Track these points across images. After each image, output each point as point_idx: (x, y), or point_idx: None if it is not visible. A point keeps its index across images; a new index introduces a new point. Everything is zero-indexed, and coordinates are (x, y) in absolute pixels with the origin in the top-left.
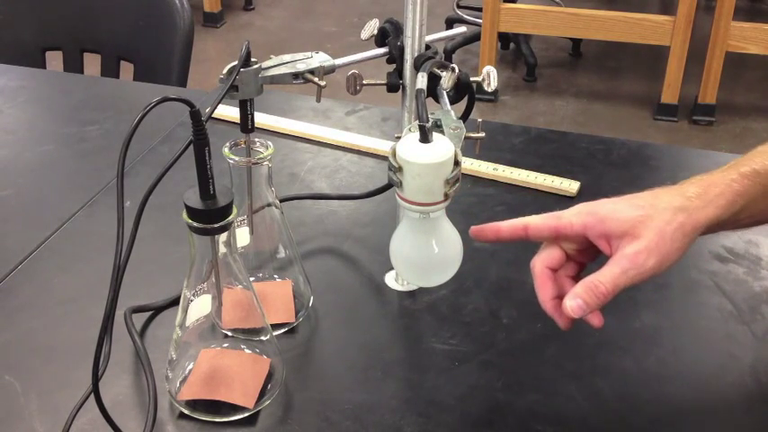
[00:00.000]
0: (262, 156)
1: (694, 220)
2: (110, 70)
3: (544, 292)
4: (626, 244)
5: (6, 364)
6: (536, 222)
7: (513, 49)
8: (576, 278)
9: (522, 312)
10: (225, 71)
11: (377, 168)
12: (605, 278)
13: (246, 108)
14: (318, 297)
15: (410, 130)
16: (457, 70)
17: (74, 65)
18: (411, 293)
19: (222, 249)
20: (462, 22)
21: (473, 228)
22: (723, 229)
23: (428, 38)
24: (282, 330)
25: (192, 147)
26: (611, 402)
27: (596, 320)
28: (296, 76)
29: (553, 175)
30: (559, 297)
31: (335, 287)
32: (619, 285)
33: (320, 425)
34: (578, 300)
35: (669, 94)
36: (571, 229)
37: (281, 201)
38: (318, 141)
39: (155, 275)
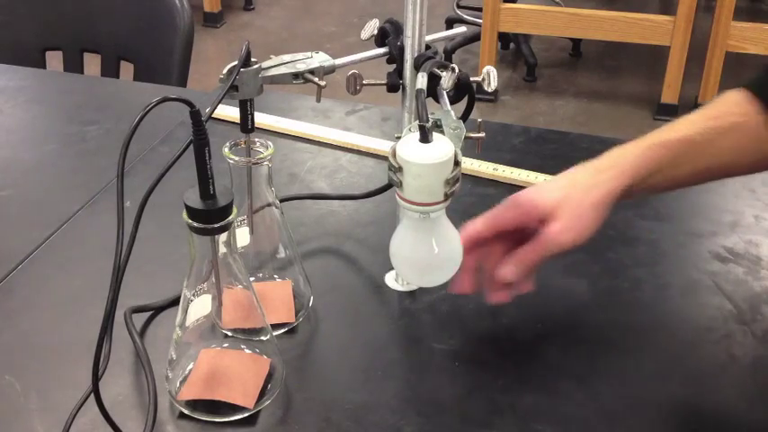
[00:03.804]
0: (262, 156)
1: (606, 190)
2: (110, 70)
3: (469, 257)
4: (549, 223)
5: (6, 364)
6: (479, 230)
7: (513, 49)
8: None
9: (522, 312)
10: (225, 71)
11: (377, 168)
12: (532, 252)
13: (246, 108)
14: (318, 297)
15: (410, 130)
16: (457, 70)
17: (74, 65)
18: (411, 293)
19: (222, 249)
20: (462, 22)
21: (456, 288)
22: (644, 194)
23: (428, 38)
24: (282, 330)
25: (192, 147)
26: (611, 402)
27: (525, 287)
28: (296, 76)
29: (553, 175)
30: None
31: (335, 287)
32: (544, 257)
33: (320, 425)
34: (510, 267)
35: (669, 94)
36: (511, 224)
37: (281, 201)
38: (318, 141)
39: (155, 275)
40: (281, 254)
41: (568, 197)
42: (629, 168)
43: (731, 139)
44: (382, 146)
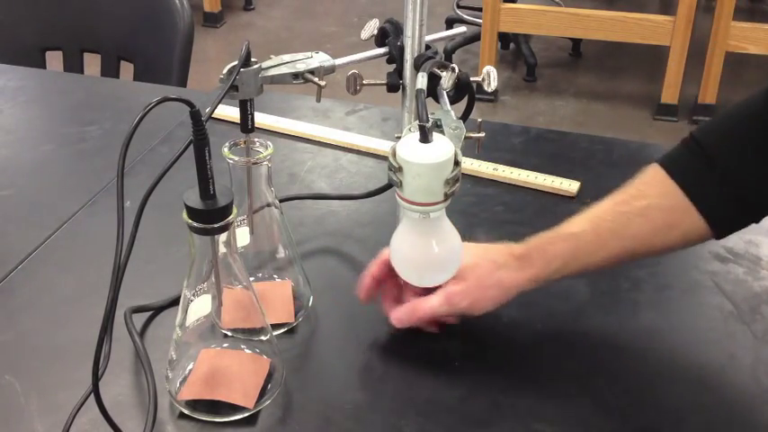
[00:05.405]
0: (261, 156)
1: (513, 278)
2: (110, 70)
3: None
4: (452, 282)
5: (6, 364)
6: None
7: (513, 49)
8: None
9: (522, 312)
10: (225, 71)
11: (377, 168)
12: (426, 305)
13: (246, 108)
14: (318, 297)
15: (410, 130)
16: (457, 70)
17: (74, 65)
18: None
19: (222, 249)
20: (462, 22)
21: (362, 295)
22: (560, 280)
23: (428, 38)
24: (282, 330)
25: (192, 147)
26: (611, 402)
27: (433, 327)
28: (296, 76)
29: (553, 175)
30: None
31: (335, 287)
32: (434, 315)
33: (320, 425)
34: (401, 317)
35: (669, 94)
36: None
37: (280, 201)
38: (318, 141)
39: (155, 275)
40: (281, 254)
41: (477, 265)
42: (539, 262)
43: (643, 222)
44: (382, 146)
